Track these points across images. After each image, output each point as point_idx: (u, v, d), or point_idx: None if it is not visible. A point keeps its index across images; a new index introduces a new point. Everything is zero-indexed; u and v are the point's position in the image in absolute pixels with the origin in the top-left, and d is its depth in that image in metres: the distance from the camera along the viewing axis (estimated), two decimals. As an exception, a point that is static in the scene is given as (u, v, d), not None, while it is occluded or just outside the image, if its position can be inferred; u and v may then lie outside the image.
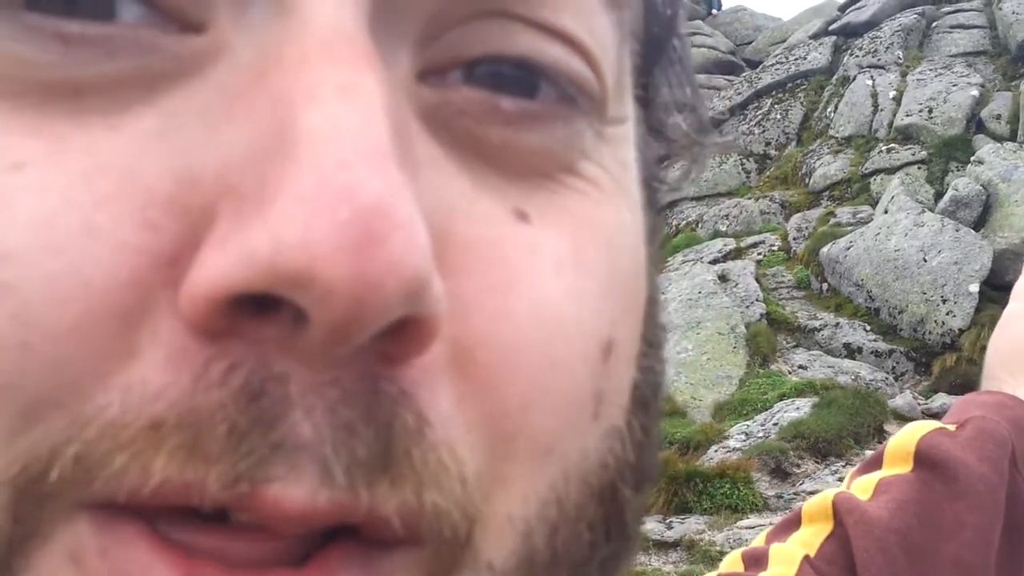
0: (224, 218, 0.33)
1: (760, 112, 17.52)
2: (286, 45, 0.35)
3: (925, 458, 1.05)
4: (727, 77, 21.09)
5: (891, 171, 14.15)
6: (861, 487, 1.06)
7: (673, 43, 0.51)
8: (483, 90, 0.40)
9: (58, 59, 0.35)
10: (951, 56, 16.14)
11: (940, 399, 9.97)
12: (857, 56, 17.30)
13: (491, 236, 0.39)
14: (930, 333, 11.12)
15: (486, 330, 0.38)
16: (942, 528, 1.01)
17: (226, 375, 0.33)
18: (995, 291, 10.62)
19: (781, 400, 9.90)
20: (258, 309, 0.33)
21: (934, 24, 17.54)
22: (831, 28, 19.46)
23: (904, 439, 1.10)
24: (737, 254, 13.74)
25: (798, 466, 8.91)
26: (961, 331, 10.87)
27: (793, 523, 1.06)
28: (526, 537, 0.39)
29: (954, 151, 13.70)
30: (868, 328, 11.55)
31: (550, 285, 0.39)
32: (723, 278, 12.44)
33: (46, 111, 0.35)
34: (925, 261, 11.41)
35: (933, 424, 1.11)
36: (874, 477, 1.07)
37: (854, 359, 11.10)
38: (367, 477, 0.34)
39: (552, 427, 0.39)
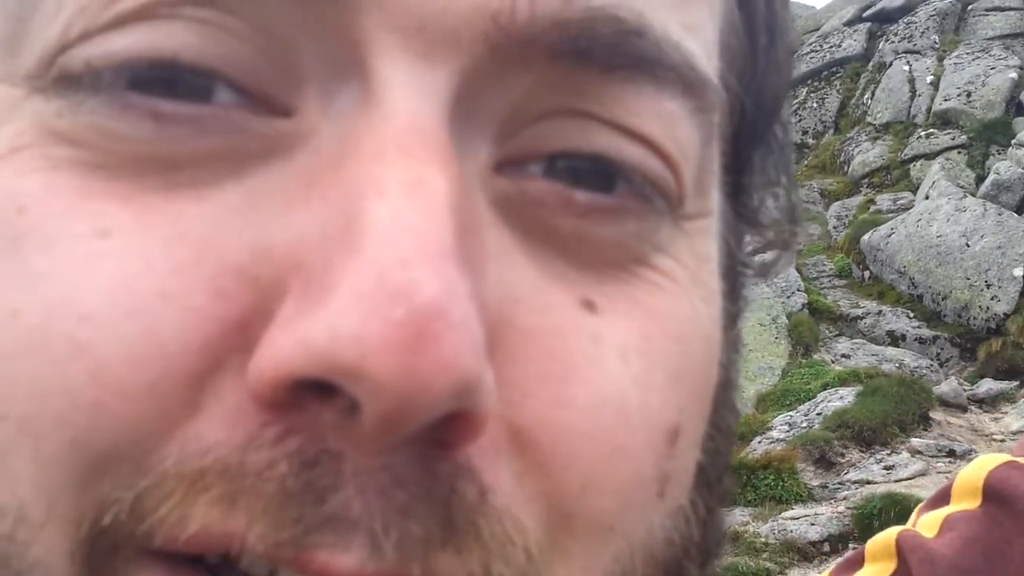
0: (293, 295, 0.35)
1: (796, 101, 17.36)
2: (366, 136, 0.36)
3: (994, 493, 1.02)
4: (762, 67, 20.89)
5: (931, 156, 14.00)
6: (927, 524, 1.03)
7: (775, 131, 0.51)
8: (559, 182, 0.40)
9: (152, 135, 0.36)
10: (988, 39, 15.94)
11: (986, 384, 9.91)
12: (892, 42, 17.13)
13: (553, 326, 0.39)
14: (974, 318, 10.99)
15: (543, 416, 0.38)
16: (1011, 566, 0.98)
17: (281, 438, 0.34)
18: (1039, 275, 10.49)
19: (824, 390, 9.82)
20: (318, 391, 0.34)
21: (969, 7, 17.32)
22: (865, 15, 19.27)
23: (972, 473, 1.07)
24: (776, 244, 13.56)
25: (843, 455, 8.83)
26: (1006, 315, 10.76)
27: (856, 562, 1.04)
28: None
29: (994, 134, 13.54)
30: (911, 315, 11.44)
31: (614, 373, 0.40)
32: (763, 268, 12.30)
33: (139, 183, 0.36)
34: (968, 246, 11.28)
35: (1003, 457, 1.08)
36: (941, 513, 1.04)
37: (898, 347, 11.00)
38: (423, 551, 0.34)
39: (612, 509, 0.39)
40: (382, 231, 0.34)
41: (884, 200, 13.86)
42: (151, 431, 0.34)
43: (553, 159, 0.40)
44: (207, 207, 0.36)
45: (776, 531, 7.84)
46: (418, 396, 0.33)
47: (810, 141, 16.80)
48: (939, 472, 8.20)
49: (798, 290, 11.88)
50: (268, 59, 0.37)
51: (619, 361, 0.40)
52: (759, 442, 9.24)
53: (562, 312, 0.39)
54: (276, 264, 0.35)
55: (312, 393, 0.34)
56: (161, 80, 0.37)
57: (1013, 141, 12.89)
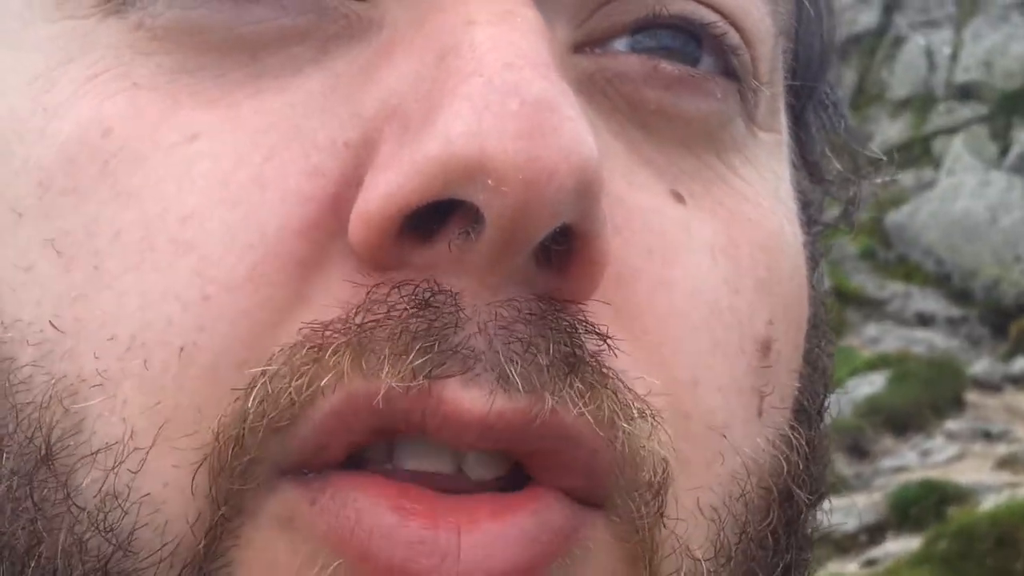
0: (388, 142, 0.34)
1: (812, 80, 17.37)
2: None
3: None
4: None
5: (953, 131, 13.90)
6: None
7: (824, 89, 0.52)
8: (645, 56, 0.40)
9: (232, 19, 0.37)
10: (1006, 6, 15.75)
11: (1021, 362, 9.77)
12: (908, 15, 16.96)
13: (650, 204, 0.38)
14: (1005, 295, 10.94)
15: (650, 296, 0.37)
16: None
17: (393, 289, 0.33)
18: (1070, 247, 10.43)
19: (854, 376, 9.65)
20: (427, 232, 0.34)
21: (986, -24, 17.17)
22: (879, -12, 19.13)
23: None
24: (798, 228, 13.59)
25: (876, 443, 8.72)
26: (1038, 290, 10.65)
27: None
28: (719, 528, 0.38)
29: (1017, 105, 13.46)
30: (940, 295, 11.33)
31: (705, 268, 0.39)
32: (785, 254, 12.31)
33: (222, 82, 0.37)
34: (995, 221, 11.27)
35: None
36: None
37: (928, 328, 10.91)
38: (551, 381, 0.33)
39: (721, 410, 0.38)
40: (480, 47, 0.34)
41: (907, 177, 13.83)
42: (263, 323, 0.34)
43: (636, 32, 0.40)
44: (291, 95, 0.36)
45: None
46: (544, 186, 0.32)
47: (828, 121, 16.82)
48: (976, 455, 8.10)
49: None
50: None
51: (708, 257, 0.39)
52: (789, 433, 9.19)
53: (656, 195, 0.39)
54: (367, 122, 0.35)
55: (420, 236, 0.34)
56: None
57: (1036, 111, 12.80)
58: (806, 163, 0.51)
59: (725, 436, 0.38)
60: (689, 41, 0.41)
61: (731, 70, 0.41)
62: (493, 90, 0.32)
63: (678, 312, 0.38)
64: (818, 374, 0.46)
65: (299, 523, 0.34)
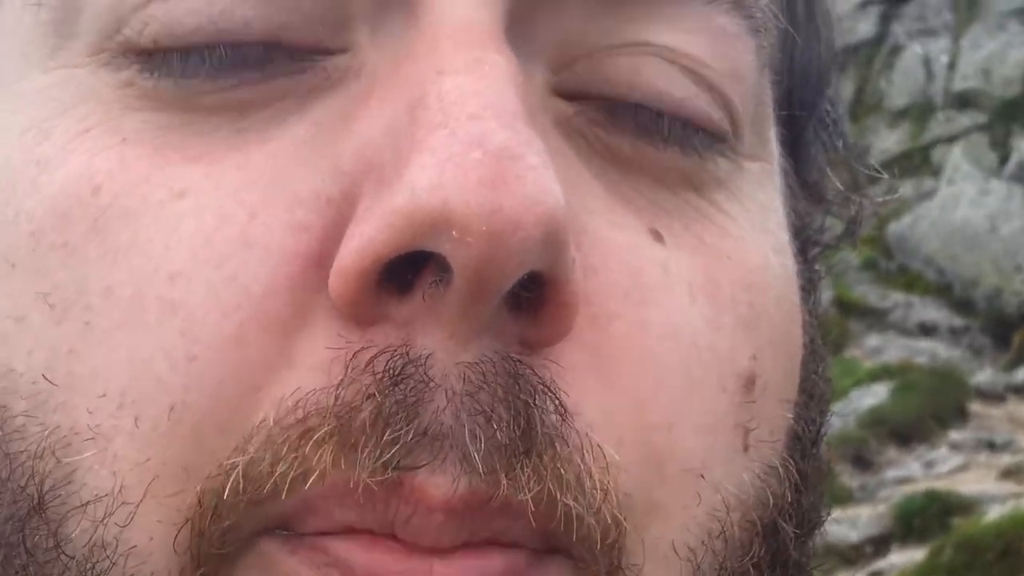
0: (366, 195, 0.35)
1: (810, 91, 17.41)
2: (417, 42, 0.37)
3: None
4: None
5: (952, 140, 13.91)
6: None
7: (824, 107, 0.52)
8: (613, 111, 0.40)
9: (219, 85, 0.38)
10: (1004, 14, 15.78)
11: (1023, 373, 9.69)
12: (905, 23, 17.00)
13: (628, 243, 0.39)
14: (1007, 304, 10.88)
15: (626, 339, 0.37)
16: None
17: (371, 361, 0.34)
18: (1072, 254, 10.45)
19: (857, 387, 9.64)
20: (403, 284, 0.34)
21: (983, -16, 17.21)
22: (876, -2, 19.19)
23: None
24: (798, 238, 13.62)
25: (880, 454, 8.70)
26: (1040, 299, 10.62)
27: None
28: (695, 567, 0.38)
29: (1016, 113, 13.47)
30: (942, 304, 11.31)
31: (683, 307, 0.39)
32: (785, 265, 12.34)
33: (208, 138, 0.37)
34: (995, 230, 11.21)
35: None
36: None
37: (930, 338, 10.89)
38: (507, 462, 0.34)
39: (699, 451, 0.38)
40: (447, 99, 0.34)
41: (906, 187, 13.86)
42: (247, 384, 0.35)
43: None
44: (273, 146, 0.37)
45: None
46: (508, 237, 0.32)
47: (827, 131, 16.87)
48: (980, 466, 8.08)
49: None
50: (322, 12, 0.38)
51: (687, 296, 0.39)
52: (792, 445, 9.19)
53: (634, 234, 0.39)
54: (346, 176, 0.36)
55: (397, 288, 0.34)
56: (220, 61, 0.38)
57: (1036, 118, 12.82)
58: (804, 184, 0.50)
59: (703, 476, 0.38)
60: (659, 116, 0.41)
61: (694, 146, 0.41)
62: (456, 141, 0.33)
63: (654, 354, 0.37)
64: (814, 402, 0.46)
65: (279, 569, 0.35)
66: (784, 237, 0.45)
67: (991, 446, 8.59)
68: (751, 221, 0.43)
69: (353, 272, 0.34)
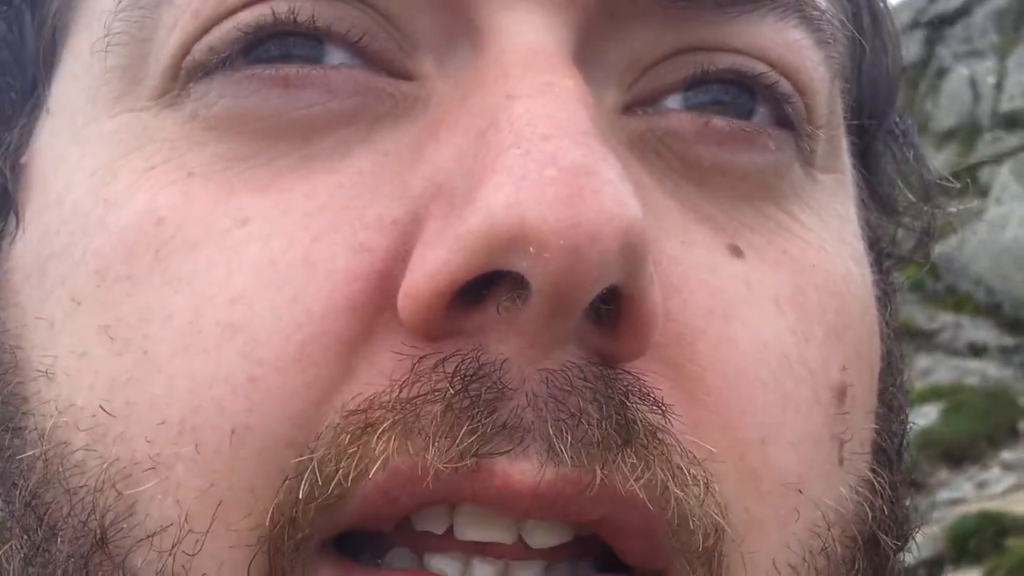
0: (435, 218, 0.35)
1: (855, 113, 17.21)
2: (485, 70, 0.36)
3: None
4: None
5: (999, 159, 13.72)
6: None
7: (894, 118, 0.52)
8: (696, 112, 0.40)
9: (282, 105, 0.38)
10: (1050, 34, 15.62)
11: (1075, 391, 9.56)
12: (951, 45, 16.84)
13: (707, 263, 0.38)
14: None
15: (712, 356, 0.37)
16: None
17: (438, 364, 0.34)
18: (1122, 273, 10.25)
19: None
20: (476, 298, 0.34)
21: (1028, 4, 17.00)
22: (921, 20, 19.00)
23: None
24: (846, 260, 13.43)
25: (932, 475, 8.59)
26: (1090, 318, 10.45)
27: None
28: None
29: None
30: (991, 324, 11.14)
31: (771, 321, 0.38)
32: (833, 286, 12.17)
33: (273, 167, 0.37)
34: None
35: None
36: None
37: (980, 358, 10.71)
38: (601, 454, 0.33)
39: (795, 466, 0.38)
40: (518, 120, 0.34)
41: (953, 208, 13.68)
42: (311, 401, 0.34)
43: (688, 88, 0.40)
44: (340, 176, 0.37)
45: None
46: (587, 250, 0.32)
47: (873, 153, 16.66)
48: (1034, 486, 7.95)
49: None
50: (381, 27, 0.38)
51: (774, 309, 0.38)
52: (843, 467, 9.08)
53: (712, 252, 0.38)
54: (414, 200, 0.36)
55: (468, 303, 0.34)
56: (277, 51, 0.38)
57: (1084, 137, 12.64)
58: (876, 196, 0.50)
59: (801, 491, 0.38)
60: (741, 93, 0.41)
61: (786, 119, 0.41)
62: (531, 160, 0.33)
63: (742, 370, 0.37)
64: (894, 413, 0.46)
65: None
66: (861, 248, 0.45)
67: (1044, 466, 8.46)
68: (830, 231, 0.42)
69: (426, 295, 0.33)
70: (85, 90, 0.42)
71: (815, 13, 0.42)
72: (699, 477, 0.35)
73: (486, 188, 0.33)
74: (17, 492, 0.39)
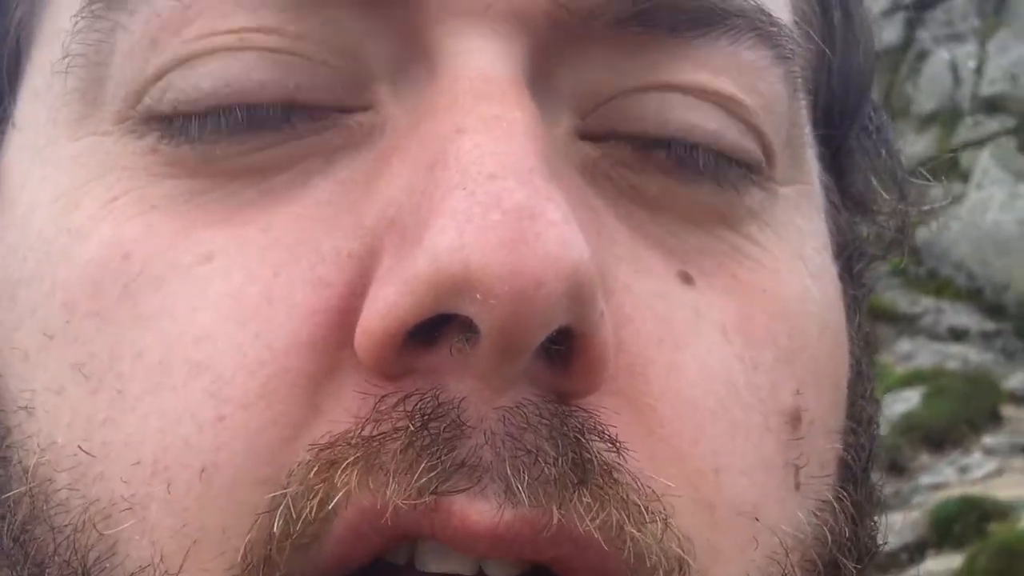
0: (387, 253, 0.35)
1: (836, 98, 17.29)
2: (437, 98, 0.37)
3: None
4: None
5: (980, 144, 13.79)
6: None
7: (868, 113, 0.51)
8: (641, 150, 0.39)
9: (243, 148, 0.38)
10: (1031, 18, 15.68)
11: (1057, 375, 9.59)
12: (931, 29, 16.89)
13: (657, 290, 0.38)
14: None
15: (663, 385, 0.37)
16: None
17: (399, 402, 0.34)
18: (1103, 256, 10.31)
19: (888, 393, 9.57)
20: (430, 337, 0.34)
21: (1009, -13, 17.06)
22: (901, 3, 19.06)
23: None
24: (827, 245, 13.51)
25: (913, 460, 8.64)
26: (1071, 302, 10.51)
27: None
28: None
29: None
30: (972, 309, 11.20)
31: (718, 349, 0.38)
32: (815, 271, 12.24)
33: (234, 201, 0.38)
34: None
35: None
36: None
37: (961, 342, 10.78)
38: (558, 494, 0.34)
39: (749, 494, 0.38)
40: (464, 159, 0.34)
41: (934, 192, 13.77)
42: (279, 437, 0.35)
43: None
44: (297, 207, 0.37)
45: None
46: (532, 296, 0.32)
47: (854, 138, 16.77)
48: (1015, 470, 8.00)
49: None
50: (340, 74, 0.38)
51: (721, 337, 0.38)
52: (825, 452, 9.14)
53: (662, 279, 0.38)
54: (368, 232, 0.36)
55: (424, 342, 0.34)
56: (242, 120, 0.38)
57: (1065, 121, 12.72)
58: (848, 196, 0.50)
59: (757, 519, 0.38)
60: (690, 149, 0.40)
61: (729, 178, 0.41)
62: (475, 202, 0.33)
63: (691, 400, 0.37)
64: (863, 426, 0.45)
65: None
66: (824, 261, 0.44)
67: (1025, 450, 8.51)
68: (787, 250, 0.42)
69: (378, 334, 0.34)
70: (47, 108, 0.42)
71: (772, 29, 0.41)
72: (656, 513, 0.35)
73: (432, 230, 0.33)
74: (5, 526, 0.39)
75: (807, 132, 0.45)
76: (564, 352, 0.34)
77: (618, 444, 0.35)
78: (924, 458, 8.70)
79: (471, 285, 0.32)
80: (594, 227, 0.37)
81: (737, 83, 0.40)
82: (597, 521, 0.34)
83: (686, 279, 0.39)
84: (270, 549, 0.34)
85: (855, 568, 0.42)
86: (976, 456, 8.37)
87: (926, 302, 11.60)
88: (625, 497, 0.35)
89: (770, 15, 0.41)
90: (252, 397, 0.35)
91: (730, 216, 0.41)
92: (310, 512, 0.34)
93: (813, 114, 0.46)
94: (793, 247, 0.42)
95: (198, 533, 0.35)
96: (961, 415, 8.81)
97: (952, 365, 10.06)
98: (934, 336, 11.03)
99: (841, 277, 0.46)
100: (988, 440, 8.54)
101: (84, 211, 0.39)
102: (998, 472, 8.14)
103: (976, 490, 7.70)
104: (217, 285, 0.36)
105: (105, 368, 0.37)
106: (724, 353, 0.38)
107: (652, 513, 0.35)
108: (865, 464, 0.45)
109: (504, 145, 0.34)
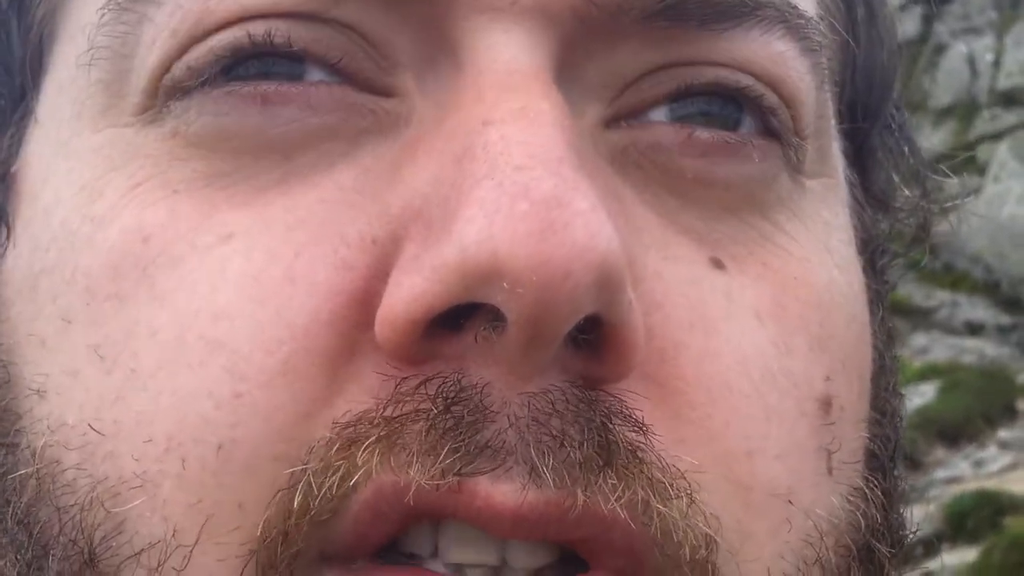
0: (413, 241, 0.35)
1: (853, 91, 17.21)
2: (463, 91, 0.37)
3: None
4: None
5: (997, 137, 13.70)
6: None
7: (890, 112, 0.51)
8: (680, 124, 0.40)
9: (262, 122, 0.38)
10: (1048, 11, 15.58)
11: (1073, 369, 9.54)
12: (948, 22, 16.80)
13: (688, 276, 0.38)
14: None
15: (695, 370, 0.37)
16: None
17: (421, 385, 0.34)
18: (1120, 250, 10.23)
19: (904, 386, 9.55)
20: (454, 324, 0.34)
21: (1027, -20, 16.95)
22: (918, -3, 18.96)
23: None
24: (843, 239, 13.45)
25: (928, 454, 8.60)
26: (1088, 296, 10.44)
27: None
28: None
29: None
30: (989, 303, 11.14)
31: (752, 333, 0.39)
32: (830, 265, 12.19)
33: (255, 183, 0.38)
34: None
35: None
36: None
37: (977, 336, 10.74)
38: (583, 476, 0.34)
39: (783, 477, 0.38)
40: (492, 150, 0.34)
41: (952, 186, 13.68)
42: (297, 414, 0.35)
43: (673, 101, 0.40)
44: (322, 191, 0.37)
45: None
46: (559, 286, 0.32)
47: (870, 131, 16.69)
48: (1031, 464, 7.97)
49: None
50: (359, 47, 0.38)
51: (755, 321, 0.39)
52: (840, 446, 9.12)
53: (693, 265, 0.39)
54: (393, 220, 0.36)
55: (447, 329, 0.34)
56: (256, 69, 0.38)
57: (1082, 114, 12.62)
58: (870, 194, 0.50)
59: (791, 502, 0.38)
60: (727, 104, 0.41)
61: (772, 130, 0.41)
62: (503, 193, 0.33)
63: (726, 383, 0.37)
64: (887, 418, 0.46)
65: None
66: (849, 254, 0.45)
67: (1041, 444, 8.47)
68: (814, 241, 0.42)
69: (402, 321, 0.34)
70: (71, 102, 0.42)
71: (800, 22, 0.41)
72: (682, 489, 0.36)
73: (460, 221, 0.33)
74: (10, 509, 0.39)
75: (833, 126, 0.46)
76: (593, 340, 0.35)
77: (644, 426, 0.36)
78: (939, 452, 8.68)
79: (499, 274, 0.32)
80: (623, 216, 0.37)
81: (770, 66, 0.40)
82: (623, 500, 0.34)
83: (717, 265, 0.39)
84: (288, 524, 0.34)
85: (889, 552, 0.43)
86: (991, 450, 8.36)
87: (941, 295, 11.53)
88: (650, 475, 0.35)
89: (797, 7, 0.41)
90: (271, 375, 0.35)
91: (762, 202, 0.41)
92: (331, 488, 0.34)
93: (838, 109, 0.46)
94: (820, 239, 0.43)
95: (213, 508, 0.35)
96: (976, 409, 8.78)
97: (968, 359, 10.04)
98: (949, 330, 10.97)
99: (865, 271, 0.46)
100: (1003, 434, 8.51)
101: (107, 200, 0.39)
102: (1013, 466, 8.11)
103: (991, 484, 7.68)
104: (237, 264, 0.37)
105: (120, 348, 0.37)
106: (758, 337, 0.38)
107: (677, 489, 0.35)
108: (892, 454, 0.46)
109: (531, 136, 0.34)
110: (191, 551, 0.35)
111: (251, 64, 0.38)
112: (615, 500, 0.34)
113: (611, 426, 0.35)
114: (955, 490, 7.74)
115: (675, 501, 0.35)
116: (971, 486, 7.70)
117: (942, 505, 7.74)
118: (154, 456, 0.35)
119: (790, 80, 0.41)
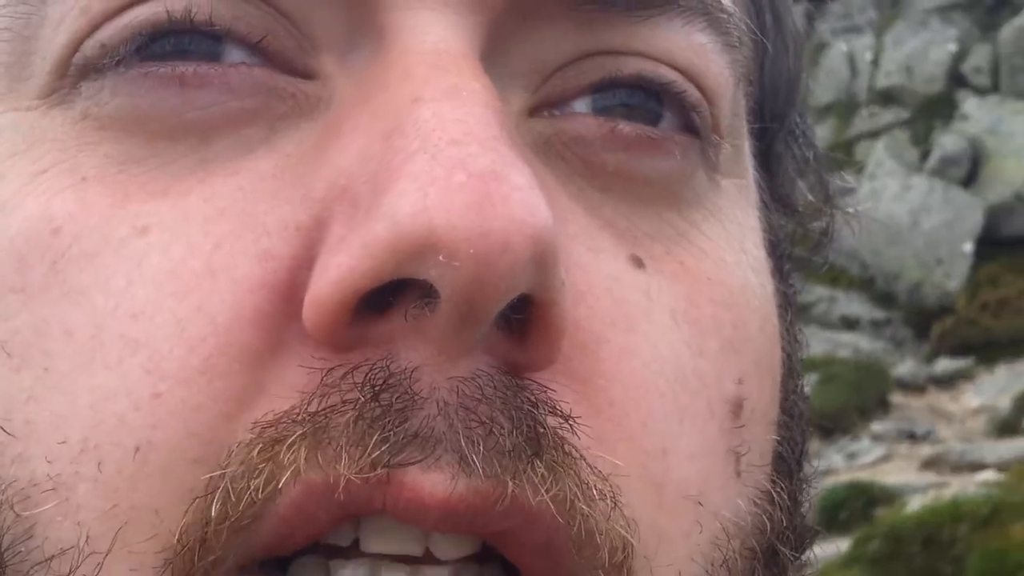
0: (338, 222, 0.34)
1: (737, 86, 17.55)
2: (389, 71, 0.36)
3: None
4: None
5: (875, 135, 14.07)
6: None
7: (795, 118, 0.51)
8: (603, 117, 0.39)
9: (179, 105, 0.36)
10: (926, 11, 16.04)
11: (942, 364, 9.90)
12: (829, 21, 17.19)
13: (610, 271, 0.38)
14: (927, 297, 11.04)
15: (615, 367, 0.37)
16: None
17: (348, 374, 0.33)
18: (990, 247, 10.62)
19: (782, 380, 9.78)
20: (383, 305, 0.33)
21: (905, -18, 17.42)
22: (801, -5, 19.37)
23: None
24: (724, 233, 13.73)
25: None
26: (958, 292, 10.76)
27: None
28: None
29: (938, 109, 13.68)
30: (864, 298, 11.45)
31: (668, 334, 0.38)
32: (712, 258, 12.42)
33: (172, 170, 0.36)
34: (917, 224, 11.35)
35: None
36: None
37: (853, 331, 11.02)
38: (512, 465, 0.33)
39: (695, 478, 0.38)
40: (425, 125, 0.33)
41: (832, 183, 14.03)
42: (218, 415, 0.33)
43: (595, 92, 0.39)
44: (241, 179, 0.36)
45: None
46: (497, 259, 0.31)
47: (753, 126, 17.03)
48: (901, 456, 8.18)
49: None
50: (282, 26, 0.37)
51: (670, 322, 0.39)
52: (717, 438, 9.29)
53: (615, 260, 0.38)
54: (317, 203, 0.35)
55: (376, 312, 0.33)
56: (173, 48, 0.36)
57: (956, 114, 13.02)
58: (776, 197, 0.50)
59: (701, 504, 0.38)
60: (649, 98, 0.40)
61: (692, 126, 0.41)
62: (438, 165, 0.32)
63: (642, 381, 0.37)
64: (795, 421, 0.46)
65: None
66: (761, 256, 0.45)
67: (912, 437, 8.72)
68: (730, 241, 0.42)
69: (330, 303, 0.33)
70: None
71: (722, 16, 0.41)
72: (606, 492, 0.35)
73: (392, 194, 0.32)
74: None
75: (745, 124, 0.46)
76: (522, 322, 0.34)
77: (571, 419, 0.35)
78: (814, 444, 8.86)
79: (434, 247, 0.31)
80: (551, 203, 0.35)
81: (691, 59, 0.40)
82: (551, 493, 0.34)
83: (637, 263, 0.39)
84: (206, 532, 0.33)
85: (792, 555, 0.43)
86: (865, 442, 8.59)
87: (820, 291, 11.83)
88: (577, 472, 0.35)
89: (720, 2, 0.41)
90: (192, 373, 0.34)
91: (680, 199, 0.41)
92: (253, 493, 0.33)
93: (750, 108, 0.47)
94: (736, 239, 0.43)
95: (129, 514, 0.33)
96: (851, 402, 9.04)
97: (843, 353, 10.26)
98: (826, 324, 11.24)
99: (773, 274, 0.46)
100: (876, 427, 8.75)
101: (9, 185, 0.37)
102: (885, 458, 8.31)
103: (864, 476, 7.86)
104: (154, 259, 0.35)
105: (30, 346, 0.35)
106: (673, 338, 0.38)
107: (602, 492, 0.35)
108: (799, 457, 0.46)
109: (465, 114, 0.34)
110: (104, 559, 0.33)
111: (167, 42, 0.37)
112: (544, 492, 0.34)
113: (538, 415, 0.34)
114: (829, 482, 7.90)
115: (599, 503, 0.35)
116: (844, 478, 7.88)
117: (816, 497, 7.90)
118: (68, 458, 0.34)
119: (710, 73, 0.41)
